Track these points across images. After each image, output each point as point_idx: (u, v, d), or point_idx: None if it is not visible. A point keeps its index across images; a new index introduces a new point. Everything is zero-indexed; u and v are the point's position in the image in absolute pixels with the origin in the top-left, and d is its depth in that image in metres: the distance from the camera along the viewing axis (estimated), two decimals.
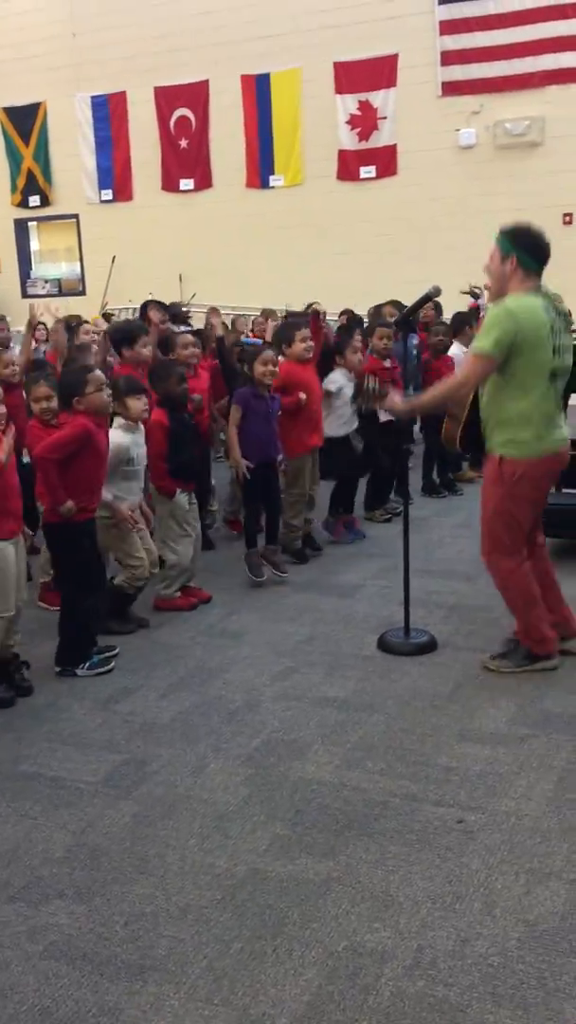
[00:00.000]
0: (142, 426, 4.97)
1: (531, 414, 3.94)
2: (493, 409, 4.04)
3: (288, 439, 5.93)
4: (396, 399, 4.40)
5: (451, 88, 13.21)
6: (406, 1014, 2.31)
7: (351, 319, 9.69)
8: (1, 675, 4.24)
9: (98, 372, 4.53)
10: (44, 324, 8.41)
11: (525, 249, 3.94)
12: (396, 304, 9.23)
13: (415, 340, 7.57)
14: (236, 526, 6.58)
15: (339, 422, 6.46)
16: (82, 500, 4.38)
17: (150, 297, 10.17)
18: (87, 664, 4.44)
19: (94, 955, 2.58)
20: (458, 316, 8.14)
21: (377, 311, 9.06)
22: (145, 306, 7.40)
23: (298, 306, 9.99)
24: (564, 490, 5.85)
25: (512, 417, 3.97)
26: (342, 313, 10.40)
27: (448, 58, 13.11)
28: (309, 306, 10.24)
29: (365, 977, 2.44)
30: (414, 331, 7.44)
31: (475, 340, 4.03)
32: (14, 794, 3.43)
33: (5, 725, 3.99)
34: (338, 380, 6.45)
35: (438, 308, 8.83)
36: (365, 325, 8.26)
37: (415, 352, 7.38)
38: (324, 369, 6.43)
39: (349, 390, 6.51)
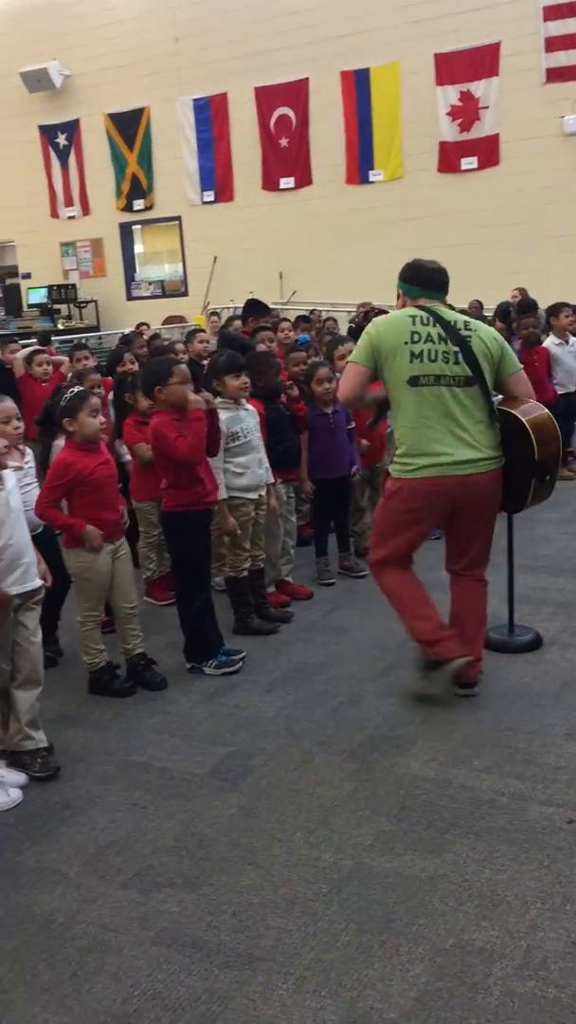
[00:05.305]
0: (245, 403, 4.95)
1: (404, 433, 3.86)
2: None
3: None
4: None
5: (556, 75, 12.90)
6: (516, 1014, 2.29)
7: (522, 303, 9.36)
8: (130, 674, 4.37)
9: (183, 366, 4.48)
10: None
11: (404, 280, 4.05)
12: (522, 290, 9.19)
13: (516, 344, 7.52)
14: (307, 529, 6.49)
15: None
16: (188, 495, 4.43)
17: (251, 295, 10.28)
18: (214, 663, 4.50)
19: (203, 943, 2.63)
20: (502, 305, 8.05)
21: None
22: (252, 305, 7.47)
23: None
24: None
25: (396, 435, 3.96)
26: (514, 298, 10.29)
27: (552, 44, 12.81)
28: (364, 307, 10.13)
29: (473, 976, 2.42)
30: (513, 334, 7.38)
31: None
32: (125, 784, 3.53)
33: (116, 717, 4.10)
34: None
35: (531, 307, 8.69)
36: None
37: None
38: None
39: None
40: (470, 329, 3.89)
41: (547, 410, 4.07)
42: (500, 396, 4.09)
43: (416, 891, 2.78)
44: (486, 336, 3.91)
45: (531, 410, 3.99)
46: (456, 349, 3.81)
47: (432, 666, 3.96)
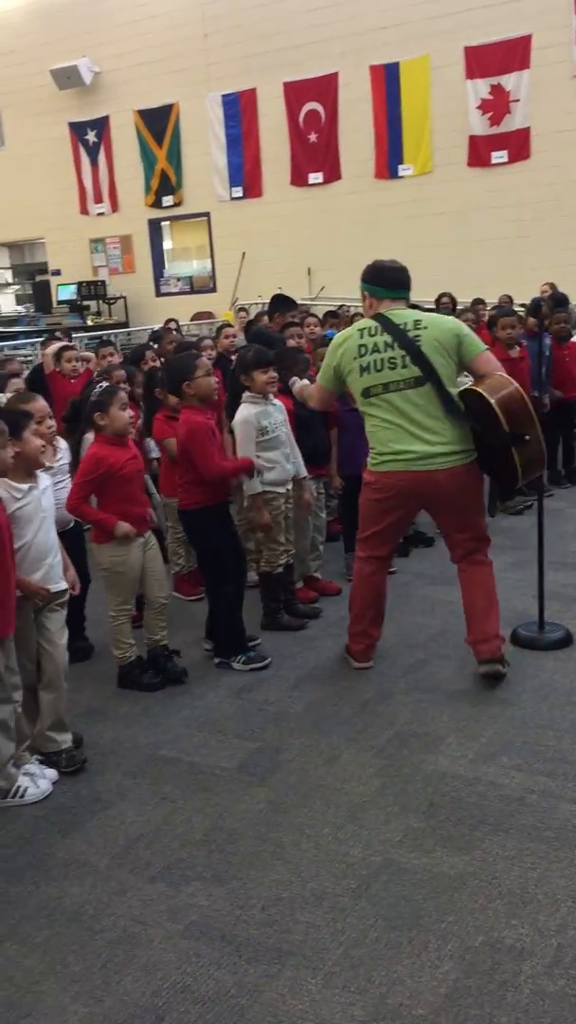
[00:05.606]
0: (272, 398, 4.93)
1: (370, 438, 4.10)
2: None
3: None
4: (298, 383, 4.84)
5: None
6: (547, 1012, 2.27)
7: (553, 297, 9.19)
8: (151, 665, 4.39)
9: (204, 358, 4.62)
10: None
11: (367, 282, 4.14)
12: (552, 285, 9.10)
13: (548, 340, 7.43)
14: (335, 525, 6.45)
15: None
16: (203, 491, 4.45)
17: (279, 291, 10.28)
18: (243, 658, 4.51)
19: (232, 937, 2.63)
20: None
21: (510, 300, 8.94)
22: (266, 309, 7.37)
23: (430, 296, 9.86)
24: None
25: (369, 435, 4.13)
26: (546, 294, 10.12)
27: None
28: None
29: (503, 973, 2.41)
30: (546, 331, 7.28)
31: None
32: (154, 777, 3.54)
33: (145, 711, 4.12)
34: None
35: (562, 302, 8.60)
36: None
37: (548, 353, 7.20)
38: None
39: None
40: (420, 328, 3.98)
41: (517, 385, 3.96)
42: (469, 381, 4.14)
43: (445, 888, 2.77)
44: (438, 331, 3.99)
45: (498, 387, 3.93)
46: (403, 352, 3.94)
47: (348, 651, 4.47)
